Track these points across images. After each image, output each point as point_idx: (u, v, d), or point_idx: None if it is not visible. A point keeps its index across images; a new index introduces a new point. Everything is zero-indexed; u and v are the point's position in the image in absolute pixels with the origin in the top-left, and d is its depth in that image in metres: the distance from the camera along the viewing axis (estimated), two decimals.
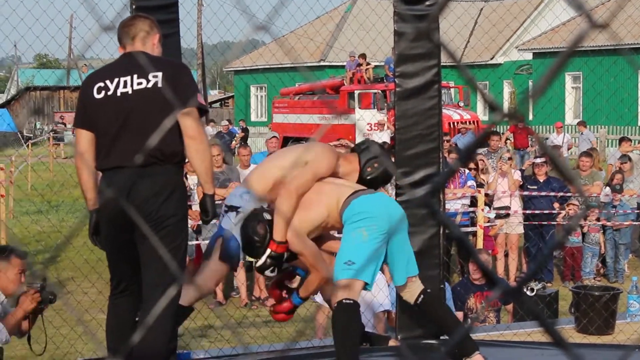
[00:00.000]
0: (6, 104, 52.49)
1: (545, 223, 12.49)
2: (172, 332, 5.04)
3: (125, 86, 4.80)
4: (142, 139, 4.70)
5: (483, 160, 13.45)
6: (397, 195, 6.75)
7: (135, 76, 4.79)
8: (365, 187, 5.78)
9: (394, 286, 5.99)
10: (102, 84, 4.84)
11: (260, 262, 5.50)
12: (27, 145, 32.56)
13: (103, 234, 4.87)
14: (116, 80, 4.82)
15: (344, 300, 5.40)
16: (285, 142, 27.21)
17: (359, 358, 5.45)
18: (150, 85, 4.77)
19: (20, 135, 39.81)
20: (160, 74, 4.78)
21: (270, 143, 14.09)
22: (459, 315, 8.54)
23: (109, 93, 4.80)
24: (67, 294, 9.91)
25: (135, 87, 4.78)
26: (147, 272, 4.76)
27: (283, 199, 5.43)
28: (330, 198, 5.63)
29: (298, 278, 5.84)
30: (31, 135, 44.86)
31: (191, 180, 12.13)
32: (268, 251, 5.45)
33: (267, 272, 5.57)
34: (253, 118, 42.30)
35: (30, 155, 27.29)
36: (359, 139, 24.99)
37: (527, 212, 12.61)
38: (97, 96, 4.82)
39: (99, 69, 5.11)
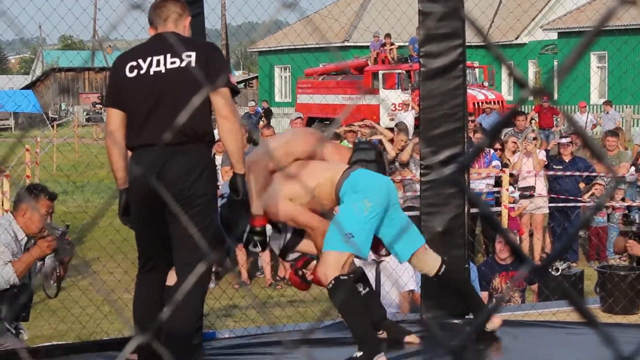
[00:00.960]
0: (31, 85, 52.69)
1: (571, 204, 12.44)
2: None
3: (158, 65, 4.79)
4: (175, 118, 4.70)
5: (515, 143, 13.38)
6: (422, 175, 6.75)
7: (168, 55, 4.79)
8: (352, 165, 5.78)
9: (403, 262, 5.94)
10: (134, 63, 4.83)
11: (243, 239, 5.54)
12: (53, 126, 32.65)
13: (133, 212, 4.85)
14: (149, 59, 4.81)
15: (341, 277, 5.42)
16: (310, 122, 27.22)
17: (370, 325, 5.47)
18: (183, 64, 4.76)
19: (45, 117, 39.95)
20: (193, 54, 4.78)
21: (295, 124, 14.09)
22: (484, 295, 8.53)
23: (142, 72, 4.80)
24: (93, 274, 9.97)
25: (169, 65, 4.77)
26: (178, 251, 4.77)
27: (250, 171, 5.41)
28: (323, 173, 5.64)
29: (314, 263, 5.83)
30: (56, 116, 45.04)
31: (217, 161, 12.17)
32: (247, 227, 5.47)
33: (251, 248, 5.57)
34: (277, 99, 42.31)
35: (56, 136, 27.36)
36: (383, 119, 24.96)
37: (553, 196, 12.55)
38: (129, 75, 4.82)
39: (131, 49, 5.10)
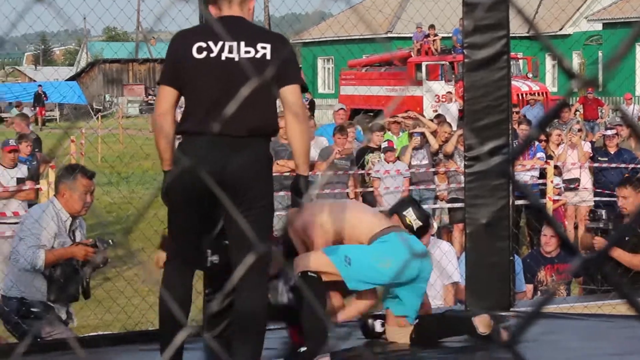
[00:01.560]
0: (76, 77, 53.12)
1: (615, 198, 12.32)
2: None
3: (231, 51, 4.59)
4: (245, 109, 4.50)
5: (560, 135, 13.29)
6: (466, 166, 6.72)
7: (242, 43, 4.61)
8: (398, 225, 5.76)
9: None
10: (203, 44, 4.61)
11: None
12: (97, 118, 32.86)
13: (180, 199, 4.63)
14: (220, 43, 4.61)
15: (309, 273, 5.42)
16: (354, 114, 27.19)
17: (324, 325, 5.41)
18: (258, 55, 4.61)
19: (90, 108, 40.26)
20: (268, 47, 4.62)
21: (338, 115, 14.09)
22: (529, 287, 8.47)
23: (212, 55, 4.58)
24: (138, 264, 10.02)
25: (243, 54, 4.58)
26: (239, 245, 4.60)
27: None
28: (366, 218, 5.66)
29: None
30: (101, 107, 45.37)
31: None
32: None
33: None
34: (320, 90, 42.29)
35: (100, 127, 27.52)
36: (427, 111, 24.86)
37: (598, 190, 12.43)
38: (197, 56, 4.59)
39: (193, 27, 4.97)
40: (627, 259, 7.51)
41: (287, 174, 10.86)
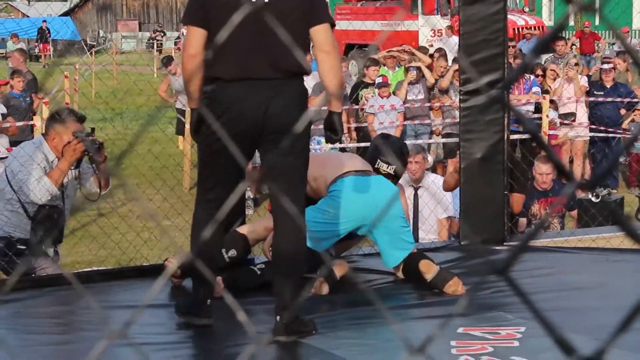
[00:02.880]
0: (70, 12, 52.60)
1: (611, 131, 12.29)
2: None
3: None
4: (278, 51, 4.44)
5: (555, 70, 13.20)
6: (461, 101, 6.69)
7: None
8: (364, 170, 5.70)
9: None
10: None
11: None
12: (91, 53, 32.60)
13: (218, 142, 4.55)
14: None
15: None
16: (349, 48, 26.99)
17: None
18: None
19: (83, 43, 39.90)
20: None
21: None
22: (523, 221, 8.47)
23: None
24: (132, 200, 9.99)
25: None
26: (277, 180, 4.60)
27: None
28: (322, 169, 5.63)
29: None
30: (95, 43, 45.02)
31: None
32: None
33: None
34: None
35: (94, 63, 27.32)
36: (422, 45, 24.68)
37: (592, 127, 12.39)
38: None
39: None
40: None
41: None
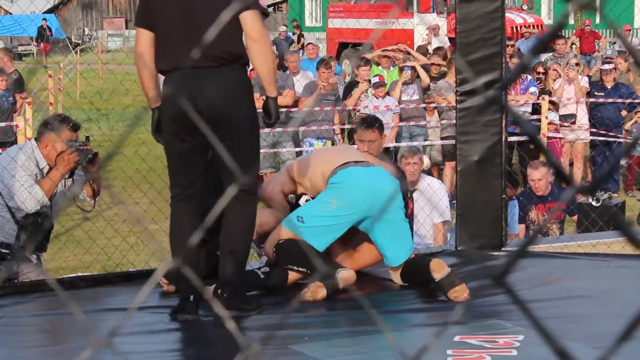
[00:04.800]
0: (54, 9, 52.35)
1: (612, 134, 12.15)
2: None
3: None
4: (211, 40, 4.56)
5: (556, 70, 13.06)
6: (458, 102, 6.58)
7: None
8: (363, 160, 5.65)
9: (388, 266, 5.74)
10: None
11: None
12: (76, 52, 32.35)
13: (168, 135, 4.85)
14: None
15: (279, 242, 5.49)
16: (342, 47, 26.89)
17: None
18: None
19: (68, 41, 39.72)
20: None
21: (307, 50, 14.02)
22: (521, 227, 8.35)
23: None
24: (118, 203, 9.90)
25: None
26: (225, 176, 4.79)
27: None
28: (318, 165, 5.63)
29: None
30: (80, 41, 44.77)
31: None
32: None
33: None
34: (308, 23, 41.77)
35: (79, 62, 27.12)
36: (418, 44, 24.57)
37: (593, 130, 12.27)
38: None
39: None
40: None
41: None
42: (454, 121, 6.78)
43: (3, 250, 5.87)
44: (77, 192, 6.11)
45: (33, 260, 6.05)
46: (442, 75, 12.97)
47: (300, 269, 5.46)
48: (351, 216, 5.43)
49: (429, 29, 23.59)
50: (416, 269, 5.53)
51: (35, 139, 6.15)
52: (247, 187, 4.79)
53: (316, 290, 5.27)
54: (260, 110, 4.96)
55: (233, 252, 4.86)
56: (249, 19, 4.70)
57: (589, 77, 13.56)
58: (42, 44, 39.34)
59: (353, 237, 5.67)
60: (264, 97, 4.93)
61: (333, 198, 5.42)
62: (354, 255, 5.73)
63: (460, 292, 5.31)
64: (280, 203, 5.72)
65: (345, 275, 5.37)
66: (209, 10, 4.64)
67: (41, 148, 5.96)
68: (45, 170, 5.95)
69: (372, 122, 6.43)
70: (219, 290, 4.90)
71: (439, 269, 5.38)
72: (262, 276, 5.48)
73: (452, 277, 5.38)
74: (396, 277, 5.64)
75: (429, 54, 15.30)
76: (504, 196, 6.59)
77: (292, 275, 5.50)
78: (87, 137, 6.13)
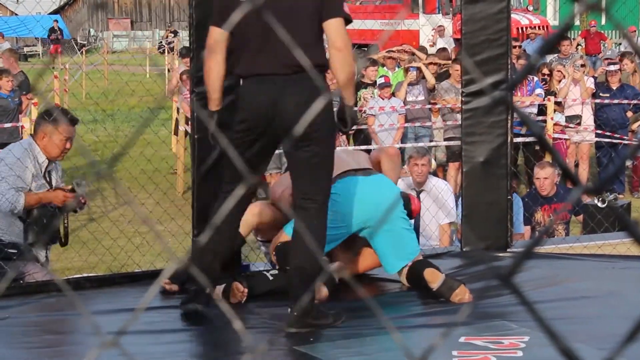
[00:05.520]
0: (60, 10, 52.32)
1: (618, 136, 12.12)
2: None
3: None
4: (284, 47, 4.52)
5: (561, 71, 13.04)
6: (463, 102, 6.56)
7: None
8: (364, 168, 5.63)
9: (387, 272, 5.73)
10: None
11: None
12: (82, 53, 32.33)
13: (240, 136, 4.78)
14: None
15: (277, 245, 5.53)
16: None
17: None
18: None
19: (74, 42, 39.64)
20: None
21: None
22: (527, 229, 8.33)
23: None
24: (123, 204, 9.90)
25: None
26: (299, 181, 4.79)
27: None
28: None
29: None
30: (85, 42, 44.71)
31: None
32: None
33: None
34: None
35: (85, 63, 27.12)
36: (423, 45, 24.55)
37: (599, 131, 12.24)
38: None
39: None
40: None
41: None
42: (459, 122, 6.77)
43: (11, 250, 5.87)
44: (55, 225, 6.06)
45: (41, 259, 6.04)
46: (443, 75, 12.95)
47: None
48: (347, 227, 5.44)
49: (435, 30, 23.57)
50: (414, 278, 5.53)
51: (32, 134, 6.15)
52: (314, 198, 4.76)
53: (319, 290, 5.28)
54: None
55: (303, 267, 4.77)
56: (334, 27, 4.64)
57: (595, 78, 13.53)
58: (51, 46, 39.19)
59: (354, 242, 5.67)
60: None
61: (329, 209, 5.42)
62: (355, 259, 5.73)
63: (461, 294, 5.31)
64: (289, 206, 5.73)
65: (337, 267, 5.41)
66: (292, 15, 4.60)
67: (38, 140, 5.95)
68: (44, 165, 5.94)
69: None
70: (290, 309, 4.83)
71: (434, 279, 5.39)
72: (270, 278, 5.48)
73: (449, 282, 5.38)
74: (403, 279, 5.64)
75: (428, 55, 15.30)
76: (509, 197, 6.58)
77: None
78: (84, 181, 6.10)
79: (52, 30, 39.85)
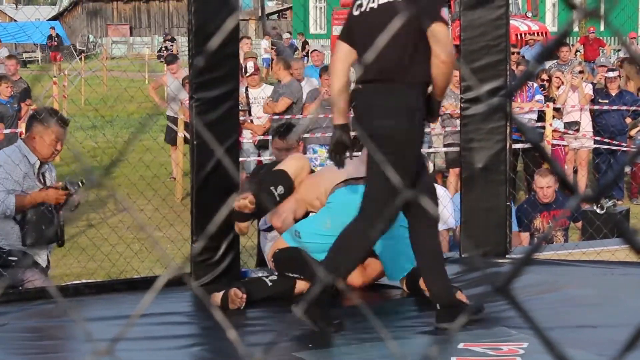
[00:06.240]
0: (58, 16, 52.33)
1: (616, 142, 12.12)
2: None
3: (373, 1, 4.87)
4: (386, 55, 4.62)
5: (559, 78, 13.04)
6: (462, 109, 6.56)
7: None
8: (362, 176, 5.61)
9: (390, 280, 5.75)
10: (360, 1, 4.93)
11: None
12: (80, 59, 32.30)
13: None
14: None
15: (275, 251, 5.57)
16: None
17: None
18: None
19: (73, 49, 39.60)
20: None
21: (312, 57, 14.02)
22: (525, 236, 8.32)
23: (362, 9, 4.91)
24: (122, 210, 9.89)
25: (380, 1, 4.83)
26: (367, 186, 4.89)
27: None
28: (321, 186, 5.65)
29: None
30: (84, 48, 44.67)
31: (251, 94, 11.97)
32: None
33: None
34: (312, 30, 41.79)
35: (84, 69, 27.09)
36: None
37: (597, 138, 12.23)
38: (354, 13, 4.95)
39: None
40: None
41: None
42: (458, 128, 6.77)
43: (11, 258, 5.85)
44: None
45: (43, 263, 6.02)
46: None
47: (294, 275, 5.47)
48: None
49: None
50: (412, 286, 5.55)
51: (22, 137, 6.16)
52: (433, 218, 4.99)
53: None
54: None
55: (432, 268, 4.97)
56: (441, 37, 4.69)
57: (593, 84, 13.53)
58: (49, 52, 39.03)
59: None
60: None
61: (328, 218, 5.45)
62: (362, 270, 5.72)
63: None
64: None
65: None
66: (387, 24, 4.70)
67: (29, 141, 5.95)
68: (36, 166, 5.93)
69: (287, 131, 6.45)
70: (437, 305, 4.96)
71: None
72: (269, 284, 5.47)
73: None
74: (403, 286, 5.64)
75: None
76: (508, 203, 6.57)
77: (299, 284, 5.50)
78: (81, 183, 6.08)
79: (50, 37, 39.74)
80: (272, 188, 5.63)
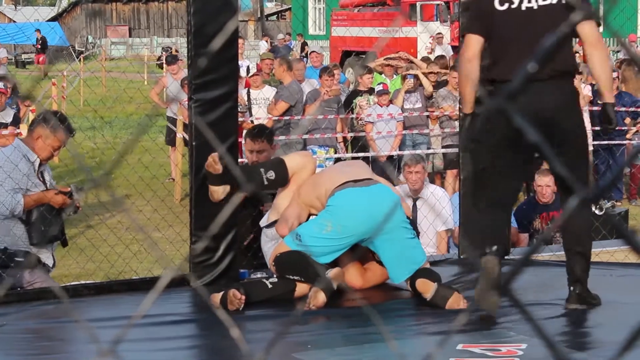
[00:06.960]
0: (58, 17, 52.23)
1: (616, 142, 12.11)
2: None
3: (529, 1, 4.97)
4: (549, 54, 4.64)
5: None
6: (461, 110, 6.53)
7: None
8: (364, 179, 5.61)
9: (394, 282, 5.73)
10: None
11: None
12: (80, 60, 32.21)
13: (496, 149, 5.01)
14: None
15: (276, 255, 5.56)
16: (346, 55, 26.86)
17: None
18: (555, 1, 4.92)
19: (72, 49, 39.50)
20: None
21: (311, 58, 14.03)
22: (524, 236, 8.31)
23: (513, 6, 4.99)
24: (121, 211, 9.88)
25: (541, 2, 4.95)
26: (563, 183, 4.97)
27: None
28: (321, 188, 5.61)
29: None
30: (83, 49, 44.53)
31: (252, 95, 11.96)
32: None
33: None
34: (311, 31, 41.72)
35: (83, 70, 27.03)
36: (421, 53, 24.57)
37: (596, 141, 12.23)
38: (499, 8, 5.00)
39: None
40: None
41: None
42: (457, 130, 6.75)
43: (17, 259, 5.84)
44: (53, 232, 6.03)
45: (49, 262, 6.02)
46: (441, 83, 12.93)
47: (295, 278, 5.46)
48: (347, 239, 5.44)
49: (433, 37, 23.57)
50: (412, 288, 5.54)
51: (22, 137, 6.15)
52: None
53: (316, 296, 5.26)
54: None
55: (581, 253, 5.28)
56: (588, 26, 4.85)
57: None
58: (34, 55, 38.86)
59: (363, 255, 5.67)
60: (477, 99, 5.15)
61: (328, 221, 5.43)
62: (364, 274, 5.72)
63: (455, 302, 5.31)
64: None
65: (335, 274, 5.38)
66: (551, 24, 4.78)
67: (30, 140, 5.95)
68: (37, 164, 5.93)
69: (260, 132, 6.42)
70: (571, 288, 5.23)
71: (426, 289, 5.40)
72: (269, 286, 5.47)
73: (442, 291, 5.38)
74: (408, 286, 5.63)
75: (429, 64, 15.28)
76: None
77: (300, 287, 5.49)
78: (82, 188, 6.10)
79: (37, 40, 39.52)
80: (262, 170, 5.64)
